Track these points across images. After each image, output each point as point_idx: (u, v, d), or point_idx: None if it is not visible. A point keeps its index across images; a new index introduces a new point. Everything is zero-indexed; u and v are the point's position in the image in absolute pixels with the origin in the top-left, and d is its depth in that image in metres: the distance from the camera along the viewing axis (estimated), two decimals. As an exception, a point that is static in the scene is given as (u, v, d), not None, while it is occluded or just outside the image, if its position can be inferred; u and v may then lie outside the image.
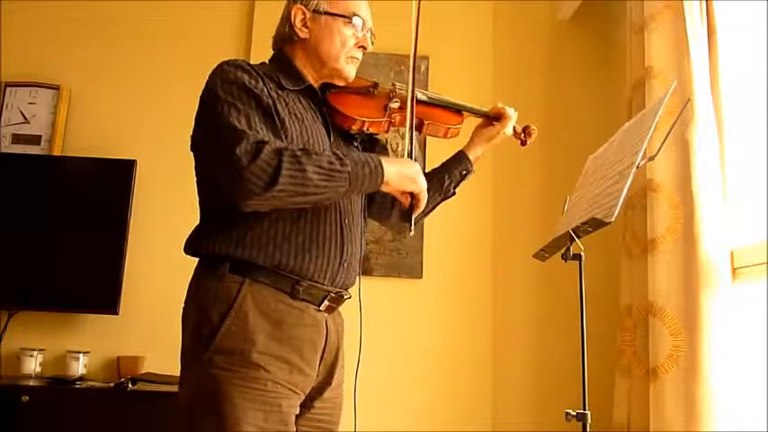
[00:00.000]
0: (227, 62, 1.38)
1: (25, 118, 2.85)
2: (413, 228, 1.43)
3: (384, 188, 1.36)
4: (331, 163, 1.27)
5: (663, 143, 1.41)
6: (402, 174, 1.37)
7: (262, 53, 1.61)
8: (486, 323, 2.78)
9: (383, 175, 1.33)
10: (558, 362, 2.66)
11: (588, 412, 1.40)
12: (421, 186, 1.39)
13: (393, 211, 1.66)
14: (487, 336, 2.77)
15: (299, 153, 1.26)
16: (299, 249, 1.35)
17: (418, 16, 1.52)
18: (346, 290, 1.46)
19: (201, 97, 1.38)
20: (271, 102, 1.36)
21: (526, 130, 1.72)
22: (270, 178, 1.22)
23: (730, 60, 2.02)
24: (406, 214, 1.43)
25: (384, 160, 1.34)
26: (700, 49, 1.99)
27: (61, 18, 2.93)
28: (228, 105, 1.30)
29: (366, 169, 1.31)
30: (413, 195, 1.39)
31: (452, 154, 1.69)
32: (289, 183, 1.23)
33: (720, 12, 2.04)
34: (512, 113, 1.67)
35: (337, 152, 1.32)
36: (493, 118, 1.69)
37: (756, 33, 1.95)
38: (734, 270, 1.89)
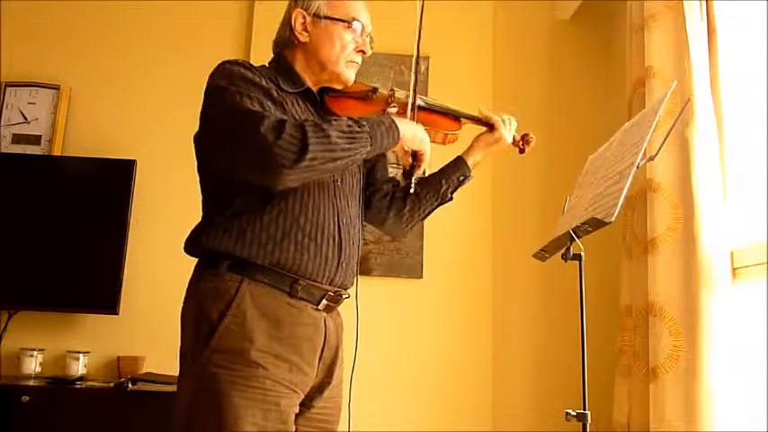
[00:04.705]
0: (227, 61, 1.39)
1: (25, 118, 2.85)
2: (413, 186, 1.50)
3: (396, 146, 1.40)
4: (350, 126, 1.31)
5: (663, 143, 1.41)
6: (413, 133, 1.42)
7: (262, 53, 1.62)
8: (486, 323, 2.78)
9: (398, 130, 1.37)
10: (558, 362, 2.66)
11: (588, 412, 1.40)
12: (427, 146, 1.45)
13: (389, 214, 1.67)
14: (487, 336, 2.77)
15: (318, 122, 1.29)
16: (297, 247, 1.35)
17: (420, 22, 1.53)
18: (345, 289, 1.46)
19: (206, 94, 1.38)
20: (276, 95, 1.38)
21: (524, 138, 1.71)
22: (299, 149, 1.23)
23: (730, 60, 2.02)
24: (408, 173, 1.49)
25: (395, 118, 1.39)
26: (700, 49, 1.99)
27: (61, 18, 2.93)
28: (240, 95, 1.31)
29: (382, 127, 1.35)
30: (414, 157, 1.45)
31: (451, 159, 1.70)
32: (318, 150, 1.25)
33: (720, 12, 2.04)
34: (504, 121, 1.67)
35: (350, 117, 1.34)
36: (490, 125, 1.68)
37: (756, 33, 1.95)
38: (734, 270, 1.89)
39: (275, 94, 1.38)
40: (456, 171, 1.66)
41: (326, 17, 1.49)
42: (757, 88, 1.93)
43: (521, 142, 1.71)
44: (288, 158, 1.23)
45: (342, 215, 1.44)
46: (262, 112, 1.28)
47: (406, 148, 1.44)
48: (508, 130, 1.67)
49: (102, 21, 2.95)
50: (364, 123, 1.32)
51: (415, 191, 1.54)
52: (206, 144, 1.42)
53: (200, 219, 1.44)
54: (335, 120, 1.31)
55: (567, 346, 2.53)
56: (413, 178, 1.49)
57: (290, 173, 1.25)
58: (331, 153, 1.27)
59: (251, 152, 1.26)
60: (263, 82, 1.37)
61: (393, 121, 1.37)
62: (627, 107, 2.25)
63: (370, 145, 1.32)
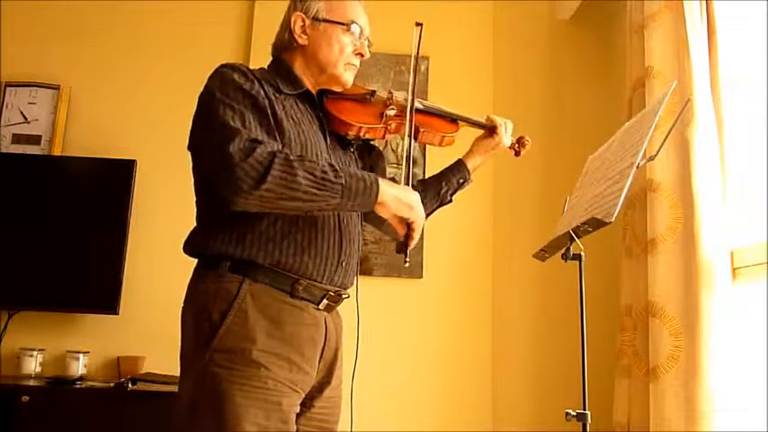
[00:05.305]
0: (224, 65, 1.39)
1: (25, 118, 2.85)
2: (408, 259, 1.37)
3: (380, 210, 1.33)
4: (324, 173, 1.26)
5: (663, 143, 1.41)
6: (399, 198, 1.34)
7: (262, 54, 1.62)
8: (486, 323, 2.78)
9: (377, 193, 1.30)
10: (558, 362, 2.66)
11: (588, 412, 1.40)
12: (418, 214, 1.35)
13: None
14: (487, 336, 2.77)
15: (292, 158, 1.25)
16: (297, 248, 1.36)
17: (419, 48, 1.54)
18: (345, 289, 1.46)
19: (199, 99, 1.39)
20: (267, 103, 1.37)
21: (520, 140, 1.75)
22: (259, 176, 1.22)
23: (730, 60, 2.02)
24: (401, 245, 1.38)
25: (382, 181, 1.32)
26: (700, 49, 1.98)
27: (61, 18, 2.93)
28: (224, 105, 1.31)
29: (361, 184, 1.29)
30: (408, 225, 1.36)
31: (452, 162, 1.71)
32: (276, 184, 1.23)
33: (720, 12, 2.04)
34: (503, 123, 1.69)
35: (334, 164, 1.31)
36: (489, 128, 1.71)
37: (756, 33, 1.95)
38: (734, 270, 1.89)
39: (264, 102, 1.35)
40: (456, 174, 1.68)
41: (325, 20, 1.49)
42: (757, 88, 1.93)
43: (516, 145, 1.74)
44: (246, 183, 1.22)
45: (342, 215, 1.44)
46: (238, 129, 1.26)
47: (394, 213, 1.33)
48: (506, 134, 1.69)
49: (101, 21, 2.95)
50: (342, 174, 1.27)
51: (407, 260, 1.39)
52: (192, 147, 1.43)
53: (195, 220, 1.44)
54: (311, 162, 1.26)
55: (566, 346, 2.53)
56: (407, 251, 1.36)
57: (245, 197, 1.23)
58: (290, 191, 1.24)
59: (217, 167, 1.26)
60: (255, 89, 1.36)
61: (375, 182, 1.30)
62: (627, 107, 2.25)
63: (340, 198, 1.27)
